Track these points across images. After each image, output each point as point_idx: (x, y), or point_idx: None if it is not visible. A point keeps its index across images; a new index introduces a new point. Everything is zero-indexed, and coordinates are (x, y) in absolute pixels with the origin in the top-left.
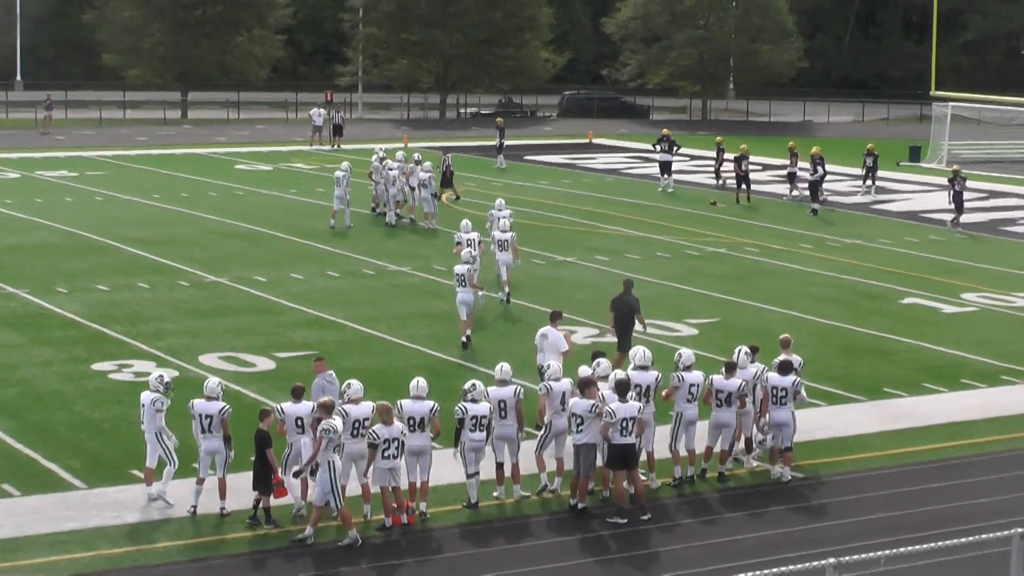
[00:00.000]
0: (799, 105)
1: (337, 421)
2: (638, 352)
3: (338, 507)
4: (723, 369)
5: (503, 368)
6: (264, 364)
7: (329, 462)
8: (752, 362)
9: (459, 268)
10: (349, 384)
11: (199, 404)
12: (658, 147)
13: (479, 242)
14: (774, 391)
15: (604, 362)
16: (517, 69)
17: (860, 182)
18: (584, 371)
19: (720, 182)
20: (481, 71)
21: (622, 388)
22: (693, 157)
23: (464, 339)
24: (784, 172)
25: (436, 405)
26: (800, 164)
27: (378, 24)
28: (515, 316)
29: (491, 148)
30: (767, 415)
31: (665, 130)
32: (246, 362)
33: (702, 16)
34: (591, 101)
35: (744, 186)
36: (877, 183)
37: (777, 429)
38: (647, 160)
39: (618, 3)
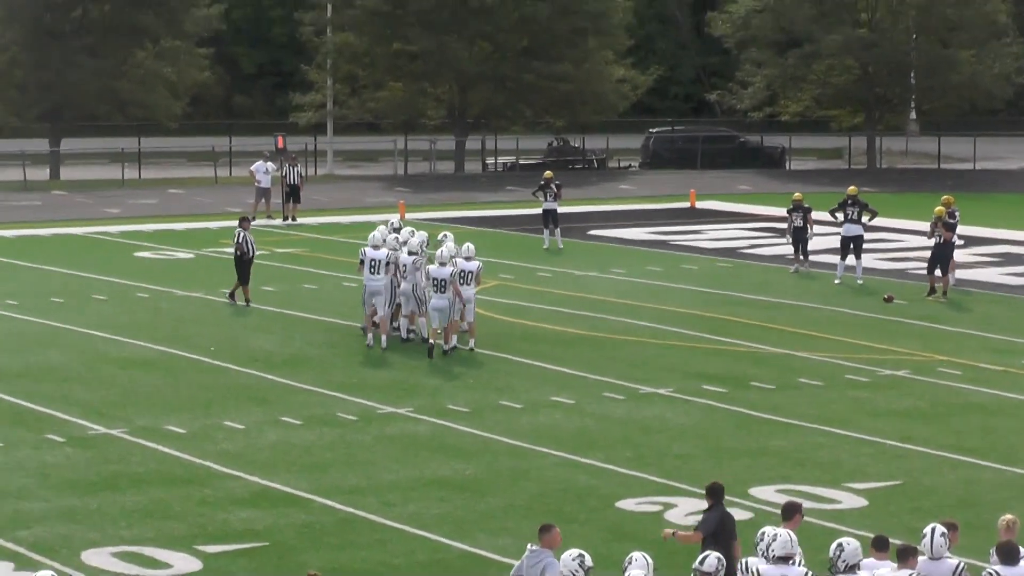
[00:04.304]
0: (1020, 144)
1: None
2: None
3: None
4: (897, 557)
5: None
6: (184, 564)
7: None
8: (949, 548)
9: (438, 271)
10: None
11: None
12: (839, 215)
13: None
14: None
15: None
16: (576, 95)
17: None
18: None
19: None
20: (519, 99)
21: None
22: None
23: (430, 346)
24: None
25: None
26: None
27: (357, 28)
28: (580, 484)
29: (537, 219)
30: None
31: (851, 188)
32: (156, 561)
33: (865, 7)
34: (693, 143)
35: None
36: None
37: None
38: (783, 232)
39: None
